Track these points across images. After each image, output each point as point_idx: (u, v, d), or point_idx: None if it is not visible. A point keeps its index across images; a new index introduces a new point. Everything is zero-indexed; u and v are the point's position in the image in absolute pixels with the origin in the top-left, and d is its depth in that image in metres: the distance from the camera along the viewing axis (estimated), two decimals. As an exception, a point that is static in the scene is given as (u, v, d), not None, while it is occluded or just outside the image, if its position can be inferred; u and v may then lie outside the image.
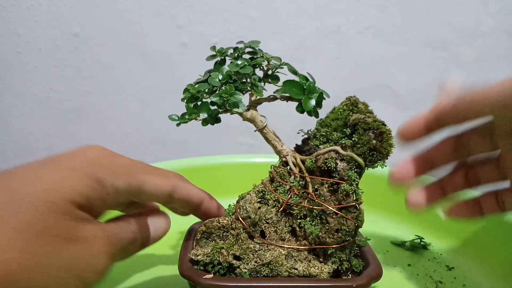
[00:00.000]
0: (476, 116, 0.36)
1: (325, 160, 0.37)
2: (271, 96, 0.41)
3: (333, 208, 0.36)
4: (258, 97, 0.40)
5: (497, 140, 0.37)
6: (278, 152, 0.40)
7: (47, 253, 0.26)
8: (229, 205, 0.40)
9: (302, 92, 0.39)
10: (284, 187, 0.38)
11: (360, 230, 0.38)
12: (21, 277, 0.24)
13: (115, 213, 0.35)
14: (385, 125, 0.37)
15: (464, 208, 0.41)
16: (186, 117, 0.39)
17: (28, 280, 0.25)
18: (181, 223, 0.45)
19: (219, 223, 0.37)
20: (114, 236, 0.30)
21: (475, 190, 0.40)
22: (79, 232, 0.27)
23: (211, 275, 0.35)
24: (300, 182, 0.38)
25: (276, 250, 0.36)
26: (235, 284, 0.34)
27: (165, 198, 0.35)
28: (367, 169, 0.37)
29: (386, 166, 0.37)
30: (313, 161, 0.38)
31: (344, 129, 0.38)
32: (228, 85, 0.38)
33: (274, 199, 0.38)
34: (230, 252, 0.36)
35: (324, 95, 0.40)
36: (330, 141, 0.38)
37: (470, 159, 0.40)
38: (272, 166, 0.40)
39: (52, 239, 0.26)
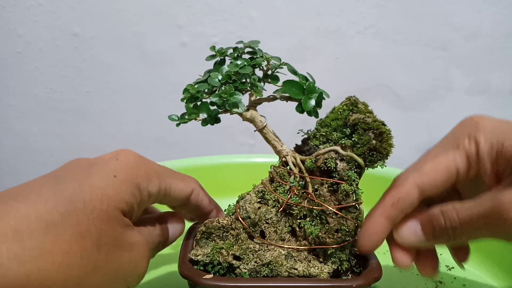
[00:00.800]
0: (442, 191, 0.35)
1: (325, 160, 0.37)
2: (271, 96, 0.41)
3: (333, 208, 0.36)
4: (258, 97, 0.40)
5: (458, 186, 0.36)
6: (278, 152, 0.40)
7: (103, 259, 0.27)
8: (229, 205, 0.40)
9: (302, 92, 0.39)
10: (284, 187, 0.38)
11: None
12: (80, 282, 0.26)
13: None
14: (385, 125, 0.37)
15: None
16: (186, 117, 0.39)
17: (86, 284, 0.26)
18: (181, 223, 0.45)
19: (219, 223, 0.37)
20: (150, 241, 0.33)
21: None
22: (126, 239, 0.29)
23: (211, 275, 0.35)
24: (300, 182, 0.38)
25: (276, 250, 0.36)
26: (235, 284, 0.34)
27: (184, 201, 0.37)
28: (367, 169, 0.37)
29: (386, 166, 0.37)
30: (313, 161, 0.38)
31: (344, 129, 0.38)
32: (228, 85, 0.38)
33: (274, 199, 0.38)
34: (230, 252, 0.36)
35: (324, 95, 0.40)
36: (330, 141, 0.38)
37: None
38: (272, 166, 0.40)
39: (107, 245, 0.28)
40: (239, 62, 0.39)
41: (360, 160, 0.36)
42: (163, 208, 0.40)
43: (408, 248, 0.35)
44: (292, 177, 0.38)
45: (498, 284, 0.46)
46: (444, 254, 0.52)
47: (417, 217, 0.34)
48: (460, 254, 0.39)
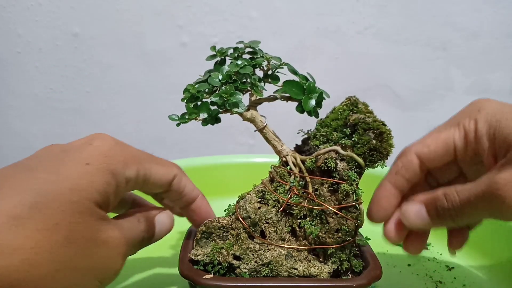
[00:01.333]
0: (442, 166, 0.37)
1: (325, 160, 0.37)
2: (271, 96, 0.41)
3: (333, 208, 0.36)
4: (258, 97, 0.40)
5: (463, 168, 0.38)
6: (278, 152, 0.40)
7: (74, 254, 0.26)
8: (229, 205, 0.40)
9: (302, 92, 0.39)
10: (284, 187, 0.38)
11: (360, 230, 0.38)
12: (50, 279, 0.25)
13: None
14: (385, 125, 0.37)
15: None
16: (186, 117, 0.39)
17: (56, 281, 0.25)
18: (181, 223, 0.45)
19: (219, 223, 0.37)
20: (129, 236, 0.30)
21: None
22: (100, 233, 0.27)
23: (211, 275, 0.35)
24: (300, 182, 0.38)
25: (276, 250, 0.36)
26: (235, 284, 0.34)
27: (165, 187, 0.35)
28: (367, 169, 0.37)
29: (386, 166, 0.37)
30: (313, 161, 0.38)
31: (344, 129, 0.38)
32: (228, 85, 0.38)
33: (274, 199, 0.38)
34: (230, 252, 0.36)
35: (324, 95, 0.40)
36: (330, 141, 0.38)
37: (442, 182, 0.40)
38: (272, 166, 0.40)
39: (78, 240, 0.26)
40: (239, 62, 0.39)
41: (360, 160, 0.36)
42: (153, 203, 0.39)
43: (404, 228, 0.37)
44: (292, 177, 0.38)
45: (498, 284, 0.46)
46: (444, 254, 0.52)
47: (422, 200, 0.35)
48: (457, 241, 0.39)
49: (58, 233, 0.25)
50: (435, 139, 0.36)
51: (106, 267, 0.28)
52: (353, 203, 0.36)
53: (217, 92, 0.38)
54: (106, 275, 0.28)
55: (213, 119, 0.39)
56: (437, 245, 0.53)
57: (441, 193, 0.33)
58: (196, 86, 0.39)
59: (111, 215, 0.32)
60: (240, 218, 0.37)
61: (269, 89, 0.41)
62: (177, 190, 0.36)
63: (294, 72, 0.40)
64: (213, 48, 0.41)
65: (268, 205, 0.38)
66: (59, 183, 0.26)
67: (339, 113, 0.39)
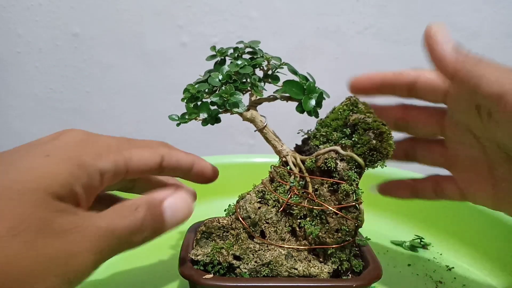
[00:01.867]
0: (430, 98, 0.37)
1: (325, 160, 0.37)
2: (271, 96, 0.41)
3: (333, 208, 0.36)
4: (258, 97, 0.40)
5: (446, 127, 0.38)
6: (278, 152, 0.40)
7: (23, 249, 0.23)
8: (229, 205, 0.40)
9: (302, 92, 0.39)
10: (284, 187, 0.38)
11: (360, 230, 0.38)
12: (1, 274, 0.22)
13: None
14: (385, 125, 0.37)
15: (397, 187, 0.42)
16: (186, 117, 0.39)
17: (9, 276, 0.23)
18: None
19: (219, 223, 0.37)
20: (107, 228, 0.26)
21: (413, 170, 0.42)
22: (54, 226, 0.24)
23: (211, 275, 0.35)
24: (300, 182, 0.38)
25: (276, 250, 0.36)
26: (235, 284, 0.34)
27: (155, 170, 0.33)
28: (367, 169, 0.37)
29: (386, 166, 0.37)
30: (313, 161, 0.38)
31: (344, 129, 0.38)
32: (228, 85, 0.38)
33: (274, 199, 0.38)
34: (230, 252, 0.36)
35: (324, 95, 0.40)
36: (330, 141, 0.38)
37: (414, 135, 0.41)
38: (272, 166, 0.40)
39: (28, 233, 0.23)
40: (239, 62, 0.39)
41: (360, 160, 0.36)
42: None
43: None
44: (292, 177, 0.38)
45: (498, 284, 0.46)
46: (444, 254, 0.52)
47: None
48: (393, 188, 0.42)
49: (3, 225, 0.23)
50: None
51: (68, 263, 0.25)
52: (353, 203, 0.36)
53: (217, 92, 0.38)
54: (72, 274, 0.25)
55: (213, 119, 0.39)
56: (437, 245, 0.53)
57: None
58: (196, 86, 0.39)
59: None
60: (240, 218, 0.37)
61: (269, 89, 0.41)
62: (169, 167, 0.33)
63: (294, 72, 0.40)
64: (213, 48, 0.41)
65: (268, 205, 0.38)
66: (12, 174, 0.24)
67: (339, 113, 0.39)
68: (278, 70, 0.41)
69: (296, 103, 0.40)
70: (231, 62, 0.40)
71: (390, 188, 0.43)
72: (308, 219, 0.37)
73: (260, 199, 0.38)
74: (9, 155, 0.27)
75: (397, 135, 0.40)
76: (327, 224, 0.36)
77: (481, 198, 0.39)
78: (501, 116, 0.32)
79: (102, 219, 0.27)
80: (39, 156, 0.26)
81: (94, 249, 0.26)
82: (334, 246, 0.36)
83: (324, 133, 0.39)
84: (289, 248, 0.37)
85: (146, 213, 0.28)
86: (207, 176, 0.37)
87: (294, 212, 0.38)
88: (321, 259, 0.37)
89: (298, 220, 0.38)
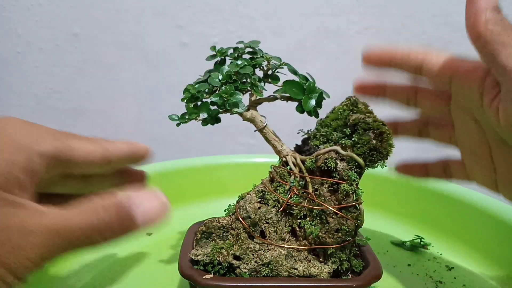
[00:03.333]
0: (435, 81, 0.38)
1: (325, 160, 0.37)
2: (271, 96, 0.41)
3: (333, 208, 0.36)
4: (258, 97, 0.40)
5: (452, 110, 0.39)
6: (278, 152, 0.40)
7: None
8: (229, 205, 0.40)
9: (302, 92, 0.39)
10: (284, 187, 0.38)
11: (360, 230, 0.38)
12: None
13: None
14: (385, 125, 0.37)
15: (412, 167, 0.43)
16: (186, 117, 0.39)
17: None
18: (181, 223, 0.45)
19: (219, 223, 0.37)
20: (59, 225, 0.25)
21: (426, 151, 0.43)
22: (3, 220, 0.24)
23: (211, 275, 0.35)
24: (300, 182, 0.38)
25: (276, 250, 0.36)
26: (235, 284, 0.34)
27: (100, 164, 0.32)
28: (367, 169, 0.37)
29: (386, 166, 0.37)
30: (313, 161, 0.38)
31: (344, 129, 0.38)
32: (228, 85, 0.38)
33: (274, 199, 0.38)
34: (230, 252, 0.36)
35: (324, 95, 0.40)
36: (330, 141, 0.38)
37: (423, 113, 0.42)
38: (272, 166, 0.40)
39: None
40: (239, 62, 0.39)
41: (360, 160, 0.36)
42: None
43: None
44: (292, 177, 0.38)
45: (498, 284, 0.46)
46: (444, 254, 0.52)
47: None
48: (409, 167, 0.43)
49: None
50: None
51: (10, 257, 0.24)
52: (353, 203, 0.36)
53: (217, 92, 0.38)
54: (17, 267, 0.24)
55: (213, 119, 0.39)
56: (437, 245, 0.53)
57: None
58: (196, 86, 0.39)
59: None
60: (240, 218, 0.37)
61: (269, 89, 0.41)
62: (118, 158, 0.33)
63: (294, 72, 0.40)
64: (213, 48, 0.41)
65: (268, 205, 0.38)
66: None
67: (339, 113, 0.39)
68: (278, 70, 0.41)
69: (296, 103, 0.40)
70: (231, 62, 0.40)
71: (405, 168, 0.44)
72: (308, 219, 0.37)
73: (260, 199, 0.38)
74: None
75: (411, 113, 0.42)
76: (327, 224, 0.36)
77: (483, 180, 0.40)
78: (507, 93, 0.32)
79: (56, 215, 0.26)
80: None
81: (41, 244, 0.25)
82: (334, 246, 0.36)
83: (324, 133, 0.39)
84: (289, 248, 0.37)
85: (113, 215, 0.27)
86: (143, 154, 0.35)
87: (294, 212, 0.38)
88: (321, 259, 0.37)
89: (298, 220, 0.38)
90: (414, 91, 0.41)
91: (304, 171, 0.38)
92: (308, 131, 0.42)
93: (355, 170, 0.36)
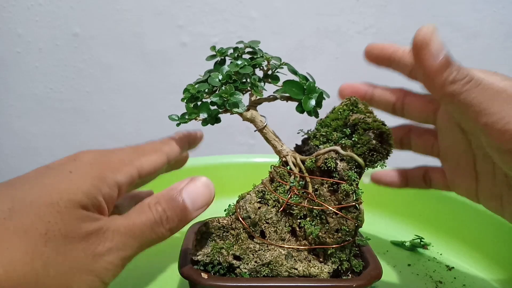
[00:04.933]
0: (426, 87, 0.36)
1: (325, 160, 0.37)
2: (271, 96, 0.41)
3: (333, 208, 0.36)
4: (258, 97, 0.40)
5: (439, 118, 0.39)
6: (278, 152, 0.40)
7: (52, 252, 0.25)
8: (229, 205, 0.40)
9: (302, 92, 0.39)
10: (284, 187, 0.38)
11: (360, 230, 0.38)
12: (30, 280, 0.24)
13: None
14: (385, 125, 0.37)
15: (390, 176, 0.43)
16: (186, 117, 0.39)
17: (38, 282, 0.24)
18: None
19: (219, 223, 0.37)
20: (127, 226, 0.29)
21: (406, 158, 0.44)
22: (82, 231, 0.27)
23: (206, 275, 0.35)
24: (300, 182, 0.38)
25: (276, 250, 0.36)
26: (235, 284, 0.34)
27: (165, 169, 0.36)
28: (367, 169, 0.37)
29: (386, 166, 0.37)
30: (313, 161, 0.38)
31: (344, 129, 0.38)
32: (228, 85, 0.38)
33: (274, 199, 0.38)
34: (230, 252, 0.36)
35: (324, 95, 0.40)
36: (330, 141, 0.38)
37: (411, 123, 0.43)
38: (272, 166, 0.40)
39: (56, 238, 0.25)
40: (239, 62, 0.39)
41: (360, 160, 0.36)
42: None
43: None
44: (292, 177, 0.38)
45: (498, 284, 0.46)
46: (444, 254, 0.52)
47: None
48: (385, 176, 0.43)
49: (34, 232, 0.25)
50: None
51: (95, 262, 0.27)
52: (353, 203, 0.36)
53: (217, 92, 0.38)
54: (100, 270, 0.27)
55: (213, 119, 0.39)
56: (437, 245, 0.54)
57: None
58: (196, 86, 0.39)
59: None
60: (240, 218, 0.37)
61: (269, 89, 0.41)
62: (176, 161, 0.37)
63: (294, 72, 0.40)
64: (213, 48, 0.41)
65: (268, 205, 0.38)
66: (37, 189, 0.27)
67: (339, 113, 0.39)
68: (278, 70, 0.41)
69: (296, 103, 0.40)
70: (231, 62, 0.40)
71: (381, 177, 0.44)
72: (308, 219, 0.37)
73: (260, 199, 0.38)
74: (33, 175, 0.29)
75: (393, 123, 0.41)
76: (327, 224, 0.36)
77: (464, 190, 0.40)
78: (492, 145, 0.33)
79: (123, 219, 0.29)
80: (62, 173, 0.28)
81: (118, 247, 0.28)
82: (334, 246, 0.36)
83: (324, 133, 0.39)
84: (289, 248, 0.37)
85: (166, 206, 0.31)
86: (197, 140, 0.42)
87: (294, 212, 0.38)
88: (321, 259, 0.37)
89: (298, 220, 0.38)
90: (403, 94, 0.41)
91: (304, 171, 0.38)
92: (308, 131, 0.41)
93: (355, 170, 0.36)
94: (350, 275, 0.37)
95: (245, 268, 0.36)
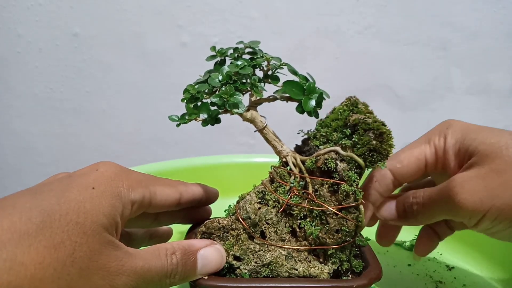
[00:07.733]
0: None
1: (325, 161, 0.37)
2: (271, 97, 0.41)
3: (333, 208, 0.36)
4: (258, 98, 0.40)
5: (433, 179, 0.42)
6: (278, 153, 0.40)
7: (77, 273, 0.26)
8: (229, 205, 0.40)
9: (302, 93, 0.39)
10: (284, 188, 0.38)
11: (360, 230, 0.38)
12: None
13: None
14: (385, 125, 0.37)
15: (427, 240, 0.44)
16: (186, 117, 0.39)
17: None
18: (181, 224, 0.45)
19: (219, 224, 0.37)
20: (143, 267, 0.29)
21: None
22: (101, 257, 0.27)
23: (206, 276, 0.35)
24: (300, 183, 0.38)
25: (276, 251, 0.36)
26: (235, 285, 0.34)
27: (174, 206, 0.37)
28: (367, 169, 0.37)
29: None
30: (313, 162, 0.38)
31: (344, 130, 0.38)
32: (228, 85, 0.38)
33: (274, 199, 0.38)
34: (230, 253, 0.36)
35: (324, 95, 0.39)
36: (330, 141, 0.38)
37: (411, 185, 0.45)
38: (272, 167, 0.40)
39: (81, 259, 0.26)
40: (239, 62, 0.39)
41: (360, 160, 0.36)
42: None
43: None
44: (292, 177, 0.38)
45: (498, 284, 0.46)
46: (444, 254, 0.52)
47: (395, 199, 0.40)
48: (423, 248, 0.44)
49: (63, 251, 0.25)
50: (408, 155, 0.40)
51: None
52: (353, 204, 0.36)
53: (217, 92, 0.38)
54: None
55: (213, 119, 0.39)
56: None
57: (411, 192, 0.38)
58: (196, 86, 0.39)
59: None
60: (240, 219, 0.37)
61: (269, 89, 0.41)
62: (188, 202, 0.38)
63: (294, 72, 0.40)
64: (213, 48, 0.41)
65: (268, 206, 0.38)
66: (64, 204, 0.27)
67: (339, 113, 0.39)
68: (278, 70, 0.41)
69: (296, 103, 0.40)
70: (231, 63, 0.40)
71: (423, 246, 0.44)
72: (308, 219, 0.37)
73: (260, 200, 0.38)
74: (58, 187, 0.29)
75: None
76: (327, 225, 0.36)
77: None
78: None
79: (140, 259, 0.30)
80: (85, 188, 0.29)
81: (131, 285, 0.29)
82: (334, 246, 0.36)
83: (324, 134, 0.39)
84: (289, 248, 0.37)
85: (181, 259, 0.32)
86: (213, 197, 0.42)
87: (294, 212, 0.38)
88: (321, 260, 0.37)
89: (298, 221, 0.38)
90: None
91: (304, 171, 0.38)
92: (308, 131, 0.41)
93: (355, 170, 0.36)
94: (350, 275, 0.37)
95: (245, 269, 0.36)
